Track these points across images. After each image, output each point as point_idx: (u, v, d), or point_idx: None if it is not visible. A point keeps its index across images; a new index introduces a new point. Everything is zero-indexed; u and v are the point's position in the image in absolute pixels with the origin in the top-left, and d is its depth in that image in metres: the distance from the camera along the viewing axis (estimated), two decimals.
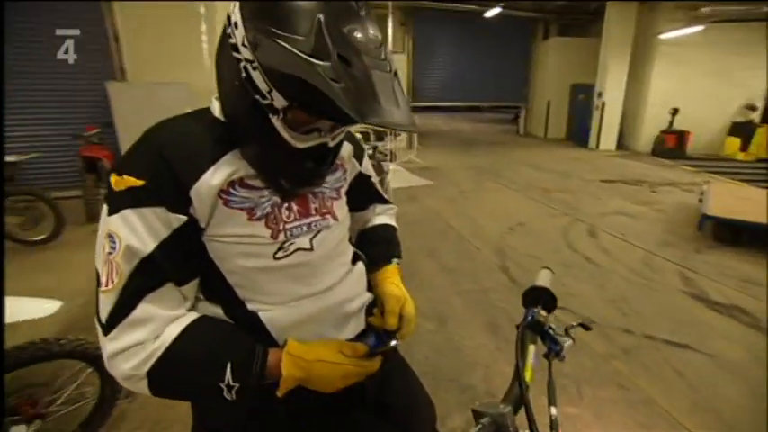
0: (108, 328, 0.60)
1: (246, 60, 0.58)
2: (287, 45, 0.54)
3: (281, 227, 0.70)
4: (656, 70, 9.83)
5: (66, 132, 5.14)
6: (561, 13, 11.46)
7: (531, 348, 0.71)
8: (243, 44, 0.58)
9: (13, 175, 4.08)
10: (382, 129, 0.63)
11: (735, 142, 9.56)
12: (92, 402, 1.71)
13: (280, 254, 0.70)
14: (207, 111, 0.72)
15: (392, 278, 0.88)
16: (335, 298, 0.77)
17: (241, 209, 0.66)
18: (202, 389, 0.64)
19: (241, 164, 0.66)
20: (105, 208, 0.62)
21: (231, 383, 0.62)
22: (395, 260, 0.94)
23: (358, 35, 0.57)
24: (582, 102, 11.35)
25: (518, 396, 0.61)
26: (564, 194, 6.16)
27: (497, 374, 2.26)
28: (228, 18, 0.61)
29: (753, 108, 9.71)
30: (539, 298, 0.78)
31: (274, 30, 0.55)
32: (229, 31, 0.60)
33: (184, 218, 0.62)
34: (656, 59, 9.77)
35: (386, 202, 1.05)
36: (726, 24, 8.87)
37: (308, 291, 0.73)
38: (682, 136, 9.55)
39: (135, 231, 0.60)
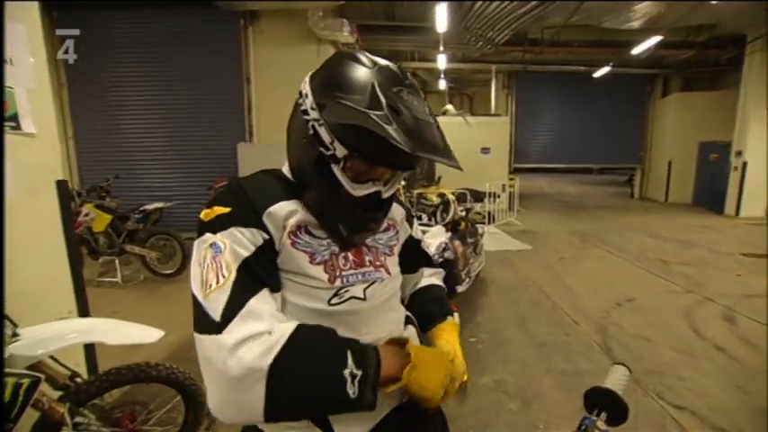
0: (223, 324, 0.61)
1: (314, 120, 0.71)
2: (347, 103, 0.67)
3: (338, 273, 0.76)
4: None
5: (203, 183, 6.18)
6: (683, 68, 10.49)
7: None
8: (311, 107, 0.71)
9: (159, 218, 4.97)
10: (432, 160, 0.67)
11: None
12: (175, 430, 1.87)
13: (335, 300, 0.75)
14: (278, 170, 0.85)
15: (446, 335, 0.90)
16: None
17: (304, 251, 0.74)
18: (326, 383, 0.63)
19: (300, 209, 0.75)
20: (197, 240, 0.71)
21: (354, 371, 0.64)
22: (449, 317, 0.95)
23: (405, 95, 0.69)
24: (713, 162, 9.91)
25: None
26: (688, 268, 5.26)
27: None
28: (300, 92, 0.75)
29: None
30: (604, 403, 0.65)
31: (337, 94, 0.69)
32: (301, 100, 0.74)
33: (267, 236, 0.70)
34: None
35: (434, 265, 1.09)
36: None
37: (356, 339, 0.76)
38: None
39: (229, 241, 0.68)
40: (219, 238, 0.68)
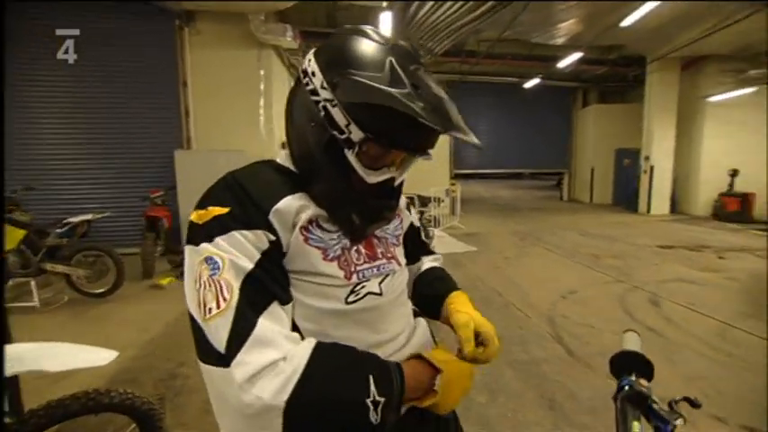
0: (230, 354, 0.55)
1: (326, 100, 0.64)
2: (366, 81, 0.61)
3: (353, 268, 0.70)
4: (707, 132, 9.60)
5: (136, 194, 5.67)
6: (598, 82, 11.71)
7: (636, 426, 0.60)
8: (322, 87, 0.64)
9: (87, 231, 4.45)
10: (460, 139, 0.62)
11: None
12: None
13: (351, 297, 0.69)
14: (273, 161, 0.77)
15: (457, 305, 0.83)
16: (403, 349, 0.75)
17: (317, 247, 0.68)
18: (347, 413, 0.58)
19: (310, 203, 0.69)
20: (189, 247, 0.62)
21: (377, 398, 0.59)
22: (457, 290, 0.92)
23: (421, 74, 0.65)
24: (627, 166, 11.13)
25: None
26: (616, 260, 5.82)
27: None
28: (304, 71, 0.68)
29: None
30: (631, 365, 0.69)
31: (351, 71, 0.62)
32: (306, 80, 0.67)
33: (273, 237, 0.63)
34: (705, 121, 9.59)
35: (432, 252, 1.06)
36: None
37: (375, 338, 0.71)
38: (745, 198, 8.98)
39: (231, 252, 0.60)
40: (217, 248, 0.59)
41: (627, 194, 10.90)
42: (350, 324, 0.69)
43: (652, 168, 9.80)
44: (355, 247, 0.72)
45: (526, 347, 3.21)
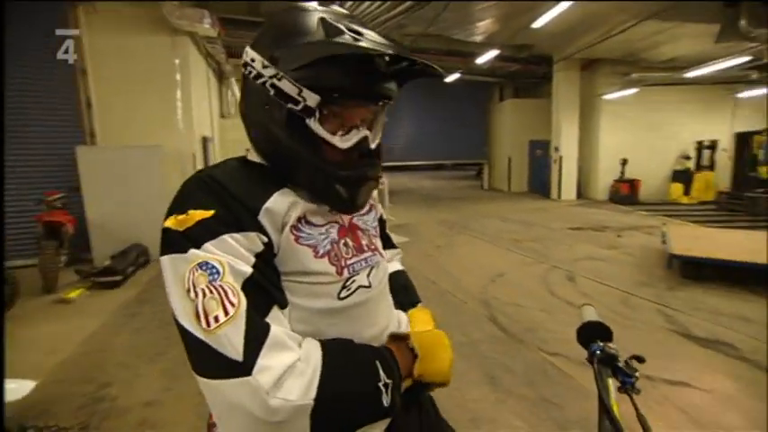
0: (249, 361, 0.51)
1: (271, 77, 0.63)
2: (303, 41, 0.62)
3: (344, 263, 0.69)
4: (603, 126, 10.89)
5: (28, 198, 4.91)
6: (513, 78, 12.63)
7: (611, 383, 0.70)
8: (264, 66, 0.64)
9: None
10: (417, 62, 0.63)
11: (678, 188, 10.50)
12: None
13: (344, 293, 0.68)
14: (242, 157, 0.73)
15: (419, 324, 0.87)
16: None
17: (308, 245, 0.65)
18: (365, 401, 0.60)
19: (298, 198, 0.66)
20: (173, 256, 0.56)
21: (386, 381, 0.62)
22: (419, 305, 0.95)
23: (357, 25, 0.65)
24: (539, 156, 12.20)
25: None
26: (535, 243, 6.37)
27: (505, 429, 2.16)
28: (245, 64, 0.67)
29: (687, 158, 10.82)
30: (594, 333, 0.80)
31: (287, 41, 0.63)
32: (248, 70, 0.67)
33: (266, 239, 0.60)
34: (601, 116, 10.87)
35: (394, 246, 1.07)
36: (655, 87, 10.13)
37: (367, 332, 0.71)
38: (632, 184, 10.38)
39: (227, 257, 0.56)
40: (211, 254, 0.55)
41: (540, 182, 11.98)
42: (344, 321, 0.68)
43: (561, 158, 10.88)
44: (343, 241, 0.71)
45: (464, 330, 3.40)
